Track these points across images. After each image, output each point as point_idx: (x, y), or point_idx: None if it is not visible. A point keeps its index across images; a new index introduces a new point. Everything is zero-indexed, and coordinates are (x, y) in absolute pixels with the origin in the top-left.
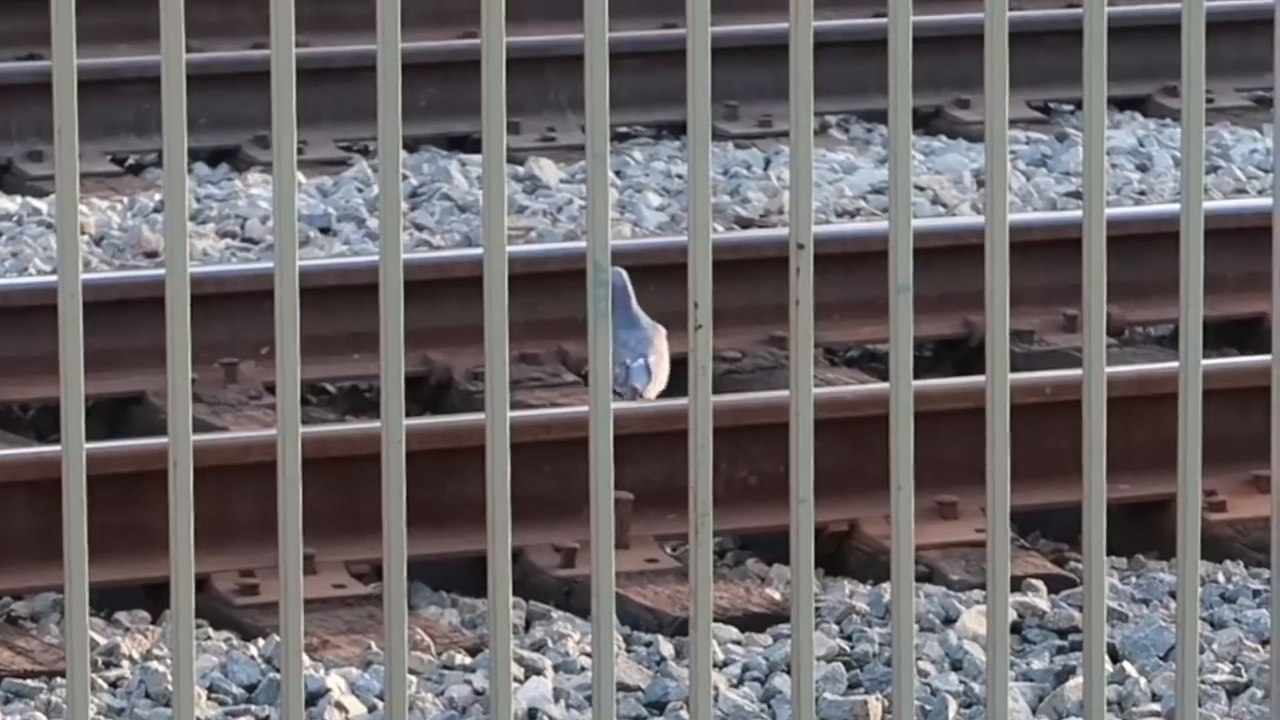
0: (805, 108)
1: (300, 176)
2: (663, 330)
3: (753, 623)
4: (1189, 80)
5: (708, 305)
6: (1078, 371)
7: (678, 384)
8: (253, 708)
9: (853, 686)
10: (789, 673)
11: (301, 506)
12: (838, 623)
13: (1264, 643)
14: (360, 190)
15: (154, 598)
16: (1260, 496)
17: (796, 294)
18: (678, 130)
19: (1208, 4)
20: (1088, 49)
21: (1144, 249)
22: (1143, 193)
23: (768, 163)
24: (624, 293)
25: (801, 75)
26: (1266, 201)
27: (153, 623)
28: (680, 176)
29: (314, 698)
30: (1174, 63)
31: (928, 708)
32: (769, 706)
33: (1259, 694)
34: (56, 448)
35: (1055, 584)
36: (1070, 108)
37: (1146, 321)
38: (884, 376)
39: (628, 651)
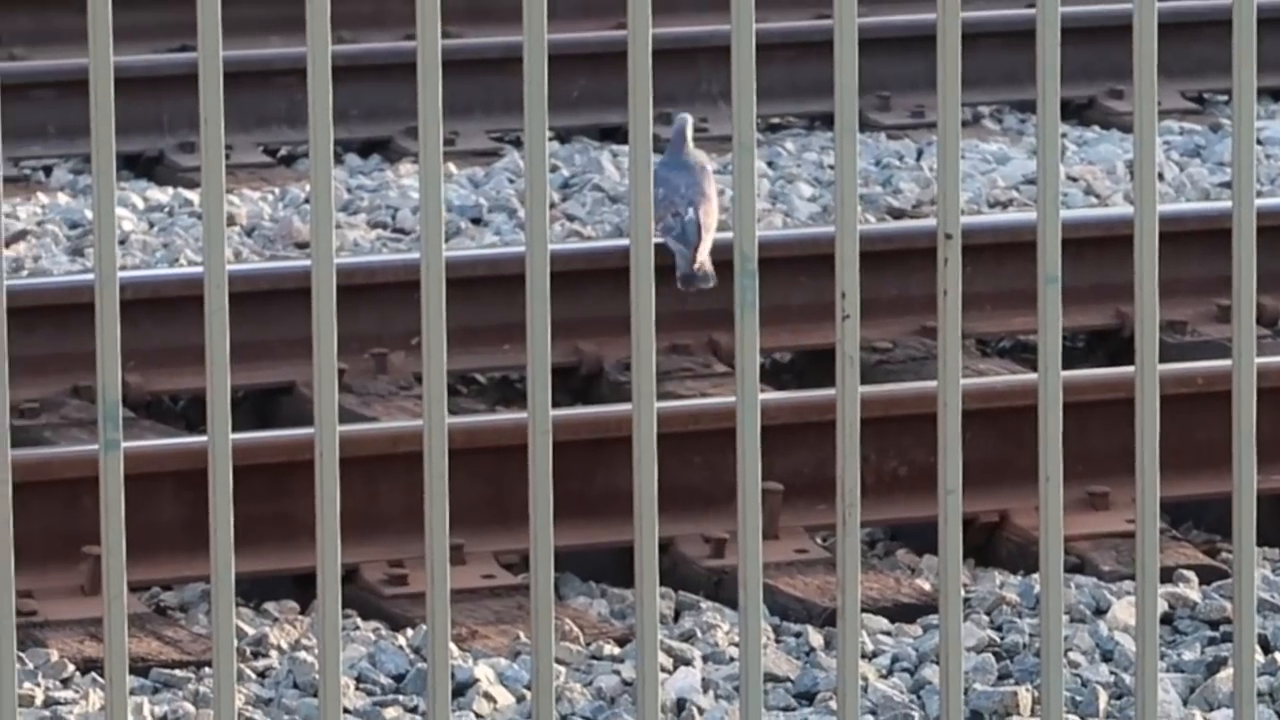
0: (953, 98)
1: (451, 167)
2: (710, 170)
3: (902, 613)
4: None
5: (855, 296)
6: (1229, 362)
7: (826, 375)
8: (401, 698)
9: (1003, 677)
10: (939, 663)
11: (449, 497)
12: (988, 613)
13: None
14: (511, 181)
15: (303, 588)
16: None
17: (944, 284)
18: (829, 121)
19: None
20: (1237, 38)
21: None
22: None
23: (920, 153)
24: (681, 135)
25: (949, 66)
26: None
27: (301, 613)
28: (831, 167)
29: (462, 688)
30: None
31: (1078, 699)
32: (918, 697)
33: None
34: (204, 438)
35: (1207, 575)
36: (1224, 98)
37: None
38: (1035, 367)
39: (777, 642)
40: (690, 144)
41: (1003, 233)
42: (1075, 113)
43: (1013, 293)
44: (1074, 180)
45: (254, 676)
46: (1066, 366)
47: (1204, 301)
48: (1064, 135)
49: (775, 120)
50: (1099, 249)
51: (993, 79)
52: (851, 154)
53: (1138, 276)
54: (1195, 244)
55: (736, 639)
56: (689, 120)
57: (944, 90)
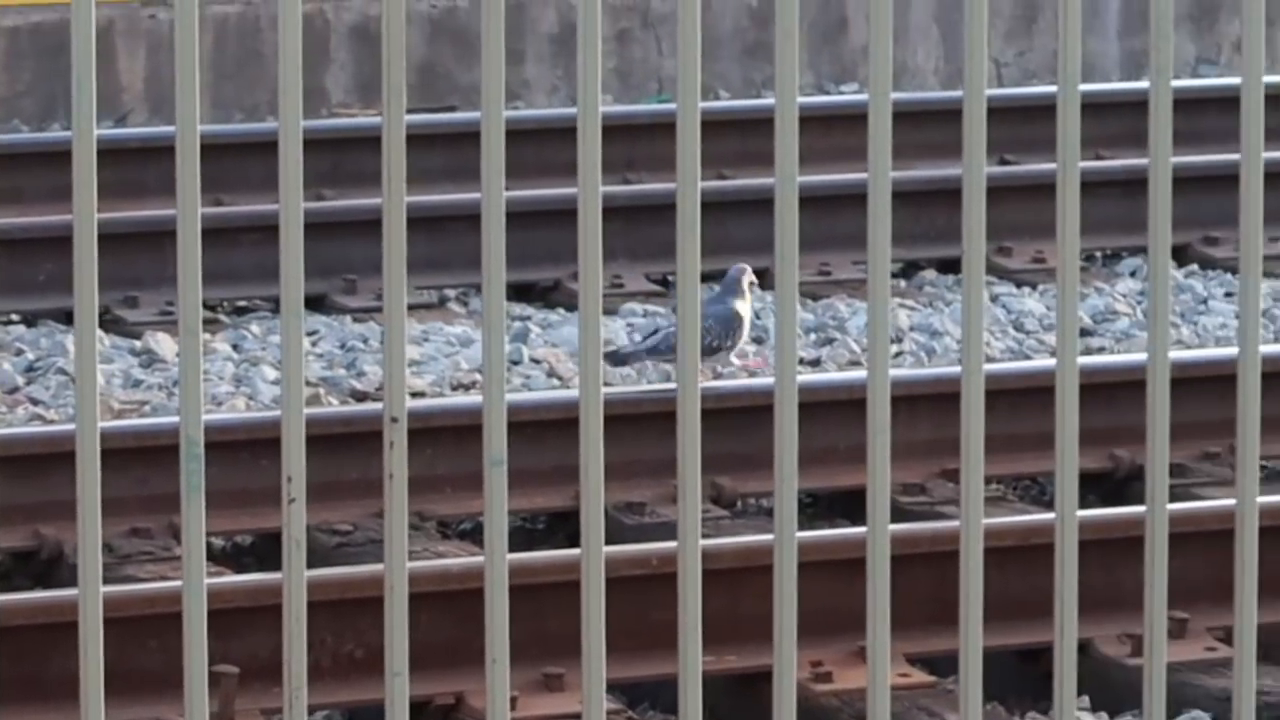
0: (398, 281)
1: None
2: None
3: None
4: (782, 257)
5: (301, 480)
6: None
7: (275, 559)
8: None
9: None
10: None
11: None
12: None
13: None
14: None
15: None
16: (865, 667)
17: (390, 468)
18: None
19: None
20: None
21: (756, 422)
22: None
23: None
24: (734, 281)
25: (394, 249)
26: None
27: None
28: None
29: None
30: (804, 235)
31: None
32: None
33: None
34: None
35: None
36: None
37: (760, 493)
38: None
39: None
40: (738, 289)
41: (462, 415)
42: (540, 295)
43: (471, 475)
44: (537, 362)
45: None
46: (526, 548)
47: (663, 484)
48: (528, 318)
49: (242, 303)
50: (559, 430)
51: (458, 262)
52: (298, 338)
53: (582, 461)
54: (652, 425)
55: None
56: (745, 270)
57: (389, 275)
